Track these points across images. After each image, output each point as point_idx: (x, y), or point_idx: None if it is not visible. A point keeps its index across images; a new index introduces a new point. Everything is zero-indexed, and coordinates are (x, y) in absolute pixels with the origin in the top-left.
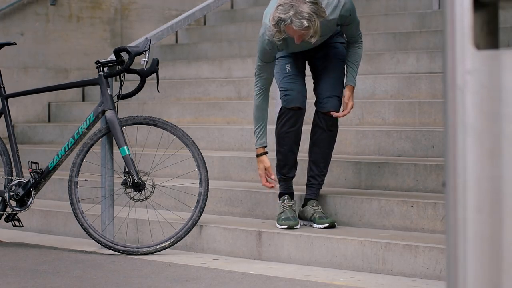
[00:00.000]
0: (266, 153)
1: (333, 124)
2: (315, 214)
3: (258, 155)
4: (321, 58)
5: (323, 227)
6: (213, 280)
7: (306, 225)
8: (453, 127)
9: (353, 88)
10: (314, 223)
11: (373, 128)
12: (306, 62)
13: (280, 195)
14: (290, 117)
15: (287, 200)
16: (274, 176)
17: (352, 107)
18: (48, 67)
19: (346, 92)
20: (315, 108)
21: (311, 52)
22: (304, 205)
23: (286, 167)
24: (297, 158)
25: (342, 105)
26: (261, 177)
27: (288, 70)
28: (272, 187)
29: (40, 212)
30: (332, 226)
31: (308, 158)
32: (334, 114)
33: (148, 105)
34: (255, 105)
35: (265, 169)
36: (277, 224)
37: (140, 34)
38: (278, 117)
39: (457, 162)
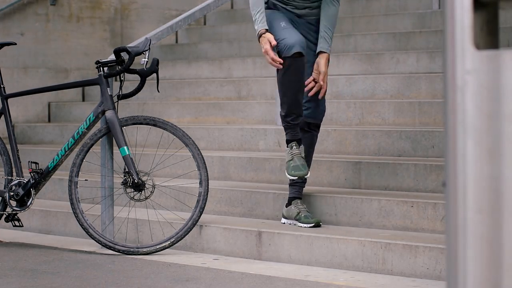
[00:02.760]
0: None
1: (316, 126)
2: (300, 213)
3: (261, 35)
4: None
5: (309, 227)
6: (213, 280)
7: (290, 224)
8: (453, 127)
9: (328, 57)
10: (300, 222)
11: (373, 128)
12: None
13: (288, 141)
14: (290, 66)
15: (295, 147)
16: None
17: (325, 81)
18: (48, 67)
19: (321, 60)
20: None
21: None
22: (288, 204)
23: (291, 115)
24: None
25: (316, 75)
26: (268, 52)
27: (283, 25)
28: (279, 66)
29: (40, 212)
30: (317, 225)
31: None
32: (311, 94)
33: (148, 105)
34: None
35: (270, 44)
36: (286, 174)
37: (140, 34)
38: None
39: (457, 162)
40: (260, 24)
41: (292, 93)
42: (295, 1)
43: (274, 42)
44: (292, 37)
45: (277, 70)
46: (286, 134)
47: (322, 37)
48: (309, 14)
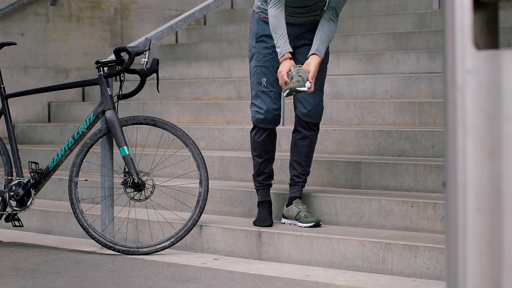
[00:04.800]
0: (291, 58)
1: (315, 125)
2: (300, 213)
3: (284, 60)
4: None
5: (309, 226)
6: (213, 280)
7: (290, 224)
8: (453, 127)
9: (320, 60)
10: (299, 221)
11: (373, 128)
12: None
13: (259, 204)
14: (260, 129)
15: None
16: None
17: (312, 81)
18: (48, 67)
19: (311, 62)
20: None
21: (299, 40)
22: (288, 204)
23: (261, 175)
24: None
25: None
26: (282, 77)
27: (264, 85)
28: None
29: (40, 212)
30: (317, 225)
31: (290, 158)
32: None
33: (148, 105)
34: (273, 15)
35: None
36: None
37: (140, 34)
38: (252, 130)
39: (457, 162)
40: (284, 48)
41: (263, 152)
42: (292, 12)
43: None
44: (264, 110)
45: (251, 130)
46: (258, 195)
47: (318, 41)
48: (306, 21)
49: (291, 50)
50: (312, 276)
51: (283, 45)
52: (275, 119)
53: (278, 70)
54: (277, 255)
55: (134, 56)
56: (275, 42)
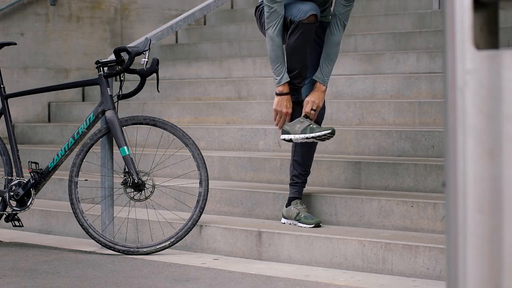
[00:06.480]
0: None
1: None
2: (300, 214)
3: (282, 94)
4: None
5: (310, 227)
6: (213, 280)
7: (291, 224)
8: (453, 127)
9: (324, 89)
10: (300, 222)
11: (373, 128)
12: None
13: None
14: (304, 31)
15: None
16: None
17: (314, 113)
18: (48, 67)
19: (317, 93)
20: None
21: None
22: (288, 204)
23: (299, 78)
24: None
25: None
26: (287, 115)
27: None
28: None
29: (40, 212)
30: (317, 226)
31: (290, 158)
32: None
33: (148, 105)
34: (272, 40)
35: (286, 114)
36: (311, 135)
37: (140, 34)
38: (290, 33)
39: (457, 162)
40: (284, 76)
41: (302, 57)
42: None
43: (289, 118)
44: (308, 5)
45: (288, 37)
46: (292, 95)
47: (320, 65)
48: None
49: (289, 79)
50: (312, 276)
51: (284, 73)
52: (318, 11)
53: (278, 103)
54: (277, 255)
55: (134, 56)
56: (273, 70)
